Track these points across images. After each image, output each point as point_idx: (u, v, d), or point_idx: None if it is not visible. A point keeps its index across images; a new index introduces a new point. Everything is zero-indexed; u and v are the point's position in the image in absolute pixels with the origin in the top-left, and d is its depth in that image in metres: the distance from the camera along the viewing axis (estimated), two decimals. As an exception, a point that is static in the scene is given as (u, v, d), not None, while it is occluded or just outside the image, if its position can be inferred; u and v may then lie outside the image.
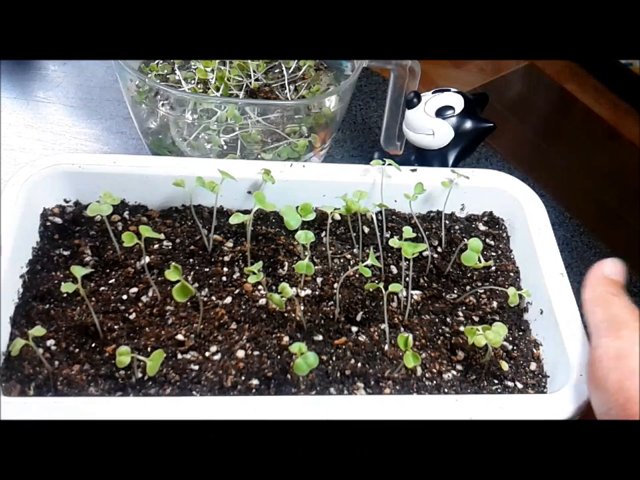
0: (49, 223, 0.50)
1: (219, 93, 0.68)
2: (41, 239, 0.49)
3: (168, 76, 0.70)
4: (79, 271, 0.42)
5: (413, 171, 0.56)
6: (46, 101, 0.80)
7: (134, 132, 0.76)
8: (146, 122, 0.68)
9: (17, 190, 0.47)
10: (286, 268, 0.50)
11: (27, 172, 0.49)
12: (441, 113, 0.63)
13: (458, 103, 0.63)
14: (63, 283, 0.43)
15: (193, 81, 0.70)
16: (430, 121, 0.63)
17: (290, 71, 0.73)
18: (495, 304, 0.50)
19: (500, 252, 0.54)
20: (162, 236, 0.50)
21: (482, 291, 0.51)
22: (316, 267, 0.49)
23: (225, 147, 0.66)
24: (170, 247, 0.50)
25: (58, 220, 0.50)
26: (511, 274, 0.52)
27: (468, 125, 0.62)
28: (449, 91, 0.66)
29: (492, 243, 0.55)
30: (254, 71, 0.72)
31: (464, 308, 0.49)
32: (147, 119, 0.67)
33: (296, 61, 0.74)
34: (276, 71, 0.74)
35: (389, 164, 0.55)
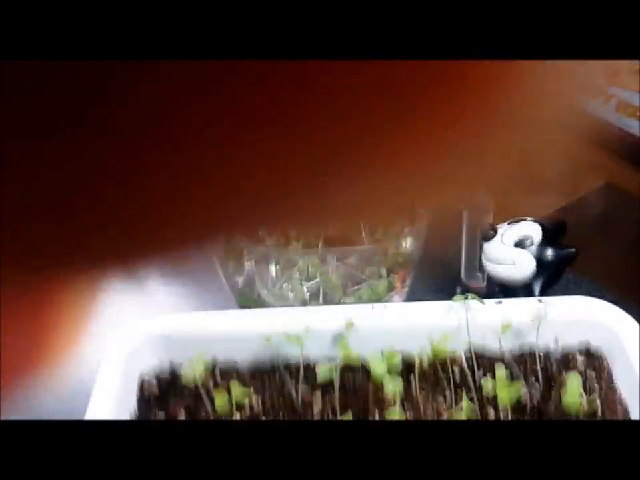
0: (145, 393, 0.51)
1: (299, 242, 0.71)
2: (138, 406, 0.50)
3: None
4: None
5: (498, 303, 0.55)
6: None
7: (222, 286, 0.79)
8: (233, 277, 0.71)
9: (116, 359, 0.50)
10: (377, 417, 0.48)
11: (124, 338, 0.52)
12: (519, 243, 0.63)
13: (535, 231, 0.63)
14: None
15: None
16: (509, 251, 0.63)
17: (365, 215, 0.76)
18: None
19: (603, 384, 0.51)
20: (252, 394, 0.51)
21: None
22: (407, 414, 0.48)
23: (308, 294, 0.67)
24: (260, 405, 0.50)
25: (154, 388, 0.52)
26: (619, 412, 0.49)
27: (549, 253, 0.62)
28: (525, 220, 0.66)
29: (593, 374, 0.52)
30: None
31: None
32: (233, 274, 0.71)
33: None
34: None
35: (472, 298, 0.54)
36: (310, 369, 0.53)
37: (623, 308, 0.54)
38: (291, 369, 0.53)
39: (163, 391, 0.52)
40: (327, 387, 0.51)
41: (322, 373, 0.48)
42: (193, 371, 0.47)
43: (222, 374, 0.53)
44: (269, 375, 0.53)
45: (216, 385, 0.52)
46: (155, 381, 0.52)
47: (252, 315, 0.55)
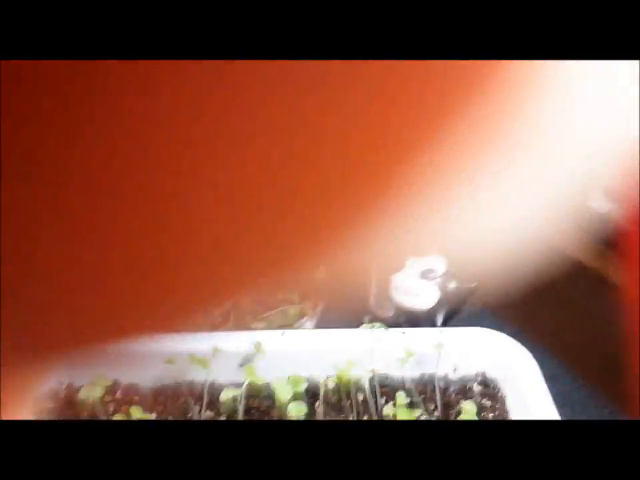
0: (39, 415, 0.49)
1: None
2: (30, 426, 0.48)
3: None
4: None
5: (402, 333, 0.57)
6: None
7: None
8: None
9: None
10: (280, 443, 0.48)
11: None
12: (425, 274, 0.65)
13: (440, 264, 0.66)
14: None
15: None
16: (415, 282, 0.65)
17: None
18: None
19: (497, 413, 0.53)
20: (153, 416, 0.49)
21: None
22: (311, 440, 0.48)
23: (219, 319, 0.67)
24: (161, 427, 0.49)
25: (50, 410, 0.50)
26: (511, 436, 0.51)
27: (452, 285, 0.64)
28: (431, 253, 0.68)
29: (488, 404, 0.54)
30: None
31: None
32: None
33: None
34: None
35: (379, 327, 0.56)
36: (215, 393, 0.52)
37: (520, 341, 0.57)
38: (195, 393, 0.52)
39: (58, 413, 0.49)
40: (232, 412, 0.51)
41: (227, 397, 0.47)
42: (91, 394, 0.46)
43: (123, 395, 0.52)
44: (172, 399, 0.52)
45: (117, 408, 0.51)
46: (51, 403, 0.50)
47: (157, 339, 0.54)
